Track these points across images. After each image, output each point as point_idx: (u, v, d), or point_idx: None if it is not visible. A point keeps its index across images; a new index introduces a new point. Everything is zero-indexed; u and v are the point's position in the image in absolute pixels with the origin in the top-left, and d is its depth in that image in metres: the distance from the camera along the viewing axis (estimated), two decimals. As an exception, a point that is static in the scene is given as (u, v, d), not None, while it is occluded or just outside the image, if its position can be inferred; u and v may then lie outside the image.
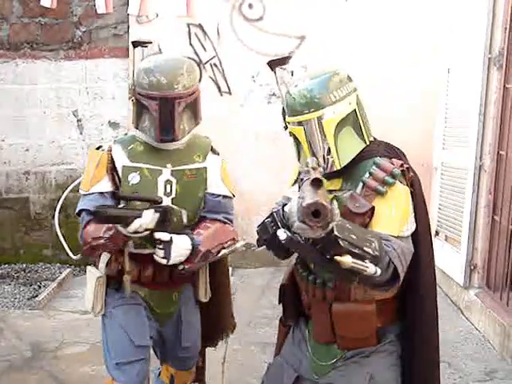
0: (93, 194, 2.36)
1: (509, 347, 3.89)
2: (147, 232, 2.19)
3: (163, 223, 2.23)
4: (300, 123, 1.88)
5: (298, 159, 1.99)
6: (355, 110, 1.90)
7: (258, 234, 1.91)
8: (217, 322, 2.71)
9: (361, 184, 1.84)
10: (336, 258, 1.53)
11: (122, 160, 2.38)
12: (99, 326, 2.55)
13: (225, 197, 2.49)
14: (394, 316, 1.96)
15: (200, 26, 5.80)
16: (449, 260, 4.88)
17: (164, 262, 2.25)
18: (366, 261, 1.57)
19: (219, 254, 2.36)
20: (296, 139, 1.93)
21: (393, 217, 1.80)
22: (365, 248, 1.57)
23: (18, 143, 5.98)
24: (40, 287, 5.41)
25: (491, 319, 4.18)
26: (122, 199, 2.33)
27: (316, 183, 1.55)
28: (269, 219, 1.82)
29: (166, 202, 2.35)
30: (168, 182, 2.39)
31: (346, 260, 1.53)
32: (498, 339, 4.05)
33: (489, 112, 4.46)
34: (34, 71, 5.88)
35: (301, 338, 2.08)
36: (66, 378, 3.69)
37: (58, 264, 5.98)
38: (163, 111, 2.28)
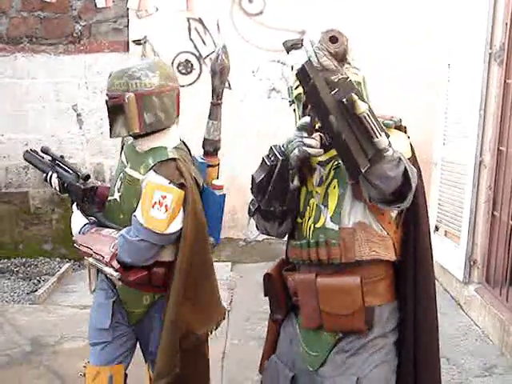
0: None
1: (508, 343, 3.89)
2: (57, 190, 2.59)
3: (70, 193, 2.55)
4: None
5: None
6: (361, 83, 1.88)
7: (251, 182, 1.91)
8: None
9: None
10: (354, 97, 1.45)
11: None
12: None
13: (135, 217, 2.28)
14: (383, 297, 1.91)
15: (200, 21, 5.79)
16: (448, 255, 4.88)
17: None
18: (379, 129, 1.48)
19: (89, 259, 2.33)
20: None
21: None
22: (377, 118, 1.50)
23: (18, 138, 5.96)
24: (39, 282, 5.42)
25: (491, 315, 4.18)
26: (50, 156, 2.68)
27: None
28: (266, 154, 1.83)
29: (116, 196, 2.43)
30: (120, 179, 2.43)
31: (363, 104, 1.45)
32: (498, 335, 4.05)
33: (489, 107, 4.45)
34: (33, 65, 5.86)
35: (292, 333, 2.03)
36: (64, 372, 3.70)
37: (58, 258, 5.99)
38: None
